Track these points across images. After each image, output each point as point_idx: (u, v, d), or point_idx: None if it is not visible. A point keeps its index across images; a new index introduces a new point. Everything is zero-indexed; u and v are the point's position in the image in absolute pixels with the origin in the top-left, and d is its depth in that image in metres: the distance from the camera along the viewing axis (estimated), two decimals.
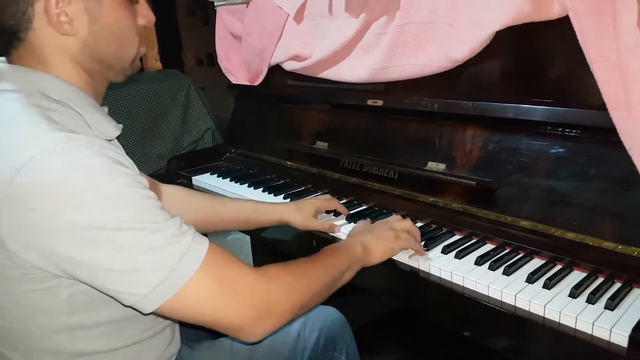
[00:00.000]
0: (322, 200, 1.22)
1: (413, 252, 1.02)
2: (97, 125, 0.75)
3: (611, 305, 0.81)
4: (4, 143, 0.65)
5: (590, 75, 0.87)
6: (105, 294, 0.68)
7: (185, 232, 0.70)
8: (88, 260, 0.64)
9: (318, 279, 0.84)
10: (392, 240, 0.99)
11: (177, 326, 0.91)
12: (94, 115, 0.76)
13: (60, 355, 0.72)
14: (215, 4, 1.79)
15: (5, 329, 0.72)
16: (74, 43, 0.75)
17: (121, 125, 0.83)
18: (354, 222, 1.19)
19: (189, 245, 0.68)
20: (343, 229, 1.17)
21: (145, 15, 0.84)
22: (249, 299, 0.72)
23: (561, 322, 0.81)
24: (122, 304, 0.69)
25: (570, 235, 0.97)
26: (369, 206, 1.29)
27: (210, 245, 0.71)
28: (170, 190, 1.17)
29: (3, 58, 0.77)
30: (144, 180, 0.70)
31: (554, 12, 0.93)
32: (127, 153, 0.76)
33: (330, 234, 1.17)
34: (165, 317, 0.83)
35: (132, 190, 0.66)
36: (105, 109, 0.83)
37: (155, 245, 0.66)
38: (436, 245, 1.06)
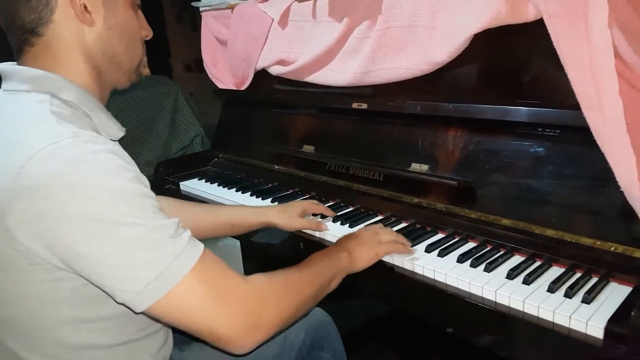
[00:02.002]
0: (308, 203, 1.25)
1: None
2: (103, 126, 0.78)
3: (588, 299, 0.83)
4: (14, 138, 0.67)
5: (564, 75, 0.89)
6: (101, 289, 0.69)
7: (182, 234, 0.71)
8: (88, 253, 0.65)
9: (306, 288, 0.85)
10: (376, 245, 1.01)
11: (170, 330, 0.92)
12: (101, 116, 0.79)
13: (63, 347, 0.73)
14: (201, 9, 1.81)
15: (12, 318, 0.72)
16: (90, 36, 0.78)
17: (124, 128, 0.86)
18: (341, 223, 1.21)
19: (184, 247, 0.69)
20: (329, 228, 1.19)
21: (146, 29, 0.89)
22: (239, 309, 0.72)
23: (540, 316, 0.84)
24: (115, 300, 0.69)
25: (549, 232, 1.00)
26: (355, 208, 1.31)
27: (205, 250, 0.72)
28: (160, 202, 1.18)
29: (13, 63, 0.79)
30: (145, 180, 0.72)
31: (529, 15, 0.95)
32: None
33: (317, 232, 1.19)
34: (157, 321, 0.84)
35: (135, 188, 0.68)
36: (110, 113, 0.85)
37: (153, 243, 0.67)
38: (419, 244, 1.08)
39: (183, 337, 1.03)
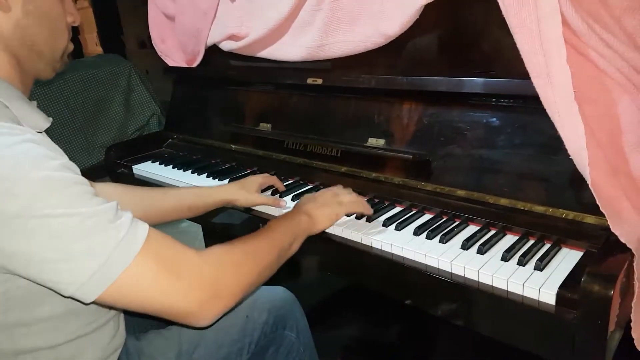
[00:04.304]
0: (262, 177, 1.23)
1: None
2: (25, 117, 0.73)
3: (540, 266, 0.85)
4: None
5: (514, 45, 0.89)
6: (44, 286, 0.66)
7: (122, 216, 0.68)
8: (21, 251, 0.62)
9: (265, 254, 0.84)
10: (335, 206, 1.01)
11: (121, 317, 0.90)
12: (22, 107, 0.74)
13: (1, 355, 0.70)
14: None
15: None
16: (6, 22, 0.73)
17: (51, 118, 0.81)
18: (291, 199, 1.20)
19: (126, 230, 0.66)
20: (289, 205, 1.18)
21: (72, 14, 0.83)
22: (196, 282, 0.71)
23: (494, 285, 0.85)
24: (61, 295, 0.66)
25: (503, 201, 1.01)
26: (315, 185, 1.30)
27: (151, 229, 0.70)
28: (104, 188, 1.14)
29: None
30: (75, 167, 0.68)
31: None
32: (68, 144, 0.74)
33: (276, 210, 1.18)
34: (110, 308, 0.81)
35: (61, 176, 0.64)
36: (34, 103, 0.80)
37: (90, 230, 0.64)
38: (377, 218, 1.08)
39: (138, 324, 1.01)
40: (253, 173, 1.42)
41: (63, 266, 0.63)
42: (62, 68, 0.84)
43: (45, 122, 0.78)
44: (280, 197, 1.24)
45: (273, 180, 1.25)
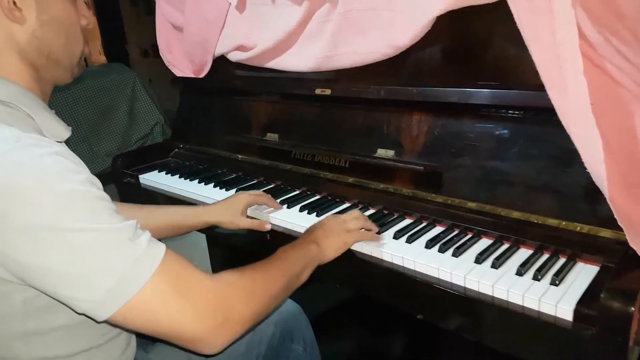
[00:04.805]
0: (251, 195, 1.19)
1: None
2: (47, 126, 0.73)
3: (556, 280, 0.83)
4: None
5: (528, 56, 0.88)
6: (58, 300, 0.65)
7: (141, 235, 0.67)
8: (39, 264, 0.61)
9: (275, 282, 0.82)
10: (344, 234, 0.99)
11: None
12: (44, 116, 0.74)
13: None
14: None
15: None
16: (22, 33, 0.73)
17: (70, 127, 0.80)
18: (308, 212, 1.18)
19: (144, 249, 0.66)
20: (281, 213, 1.17)
21: (86, 16, 0.83)
22: (207, 307, 0.70)
23: (509, 300, 0.84)
24: (74, 311, 0.66)
25: (516, 214, 1.00)
26: (322, 196, 1.28)
27: (167, 250, 0.69)
28: None
29: None
30: (98, 182, 0.68)
31: None
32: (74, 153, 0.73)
33: (283, 223, 1.16)
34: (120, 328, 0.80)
35: (85, 191, 0.64)
36: (53, 111, 0.80)
37: (109, 247, 0.63)
38: (387, 230, 1.06)
39: (146, 339, 1.00)
40: (259, 183, 1.41)
41: (80, 282, 0.62)
42: (79, 72, 0.84)
43: (66, 131, 0.78)
44: (288, 207, 1.22)
45: (264, 200, 1.21)
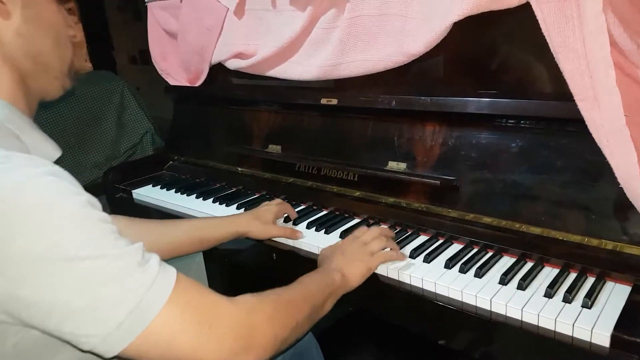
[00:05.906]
0: (277, 205, 1.15)
1: None
2: (35, 145, 0.66)
3: (588, 303, 0.79)
4: None
5: (552, 65, 0.84)
6: (60, 338, 0.58)
7: (150, 259, 0.61)
8: (41, 299, 0.54)
9: (299, 309, 0.76)
10: (367, 259, 0.93)
11: None
12: (33, 135, 0.67)
13: None
14: (146, 0, 1.65)
15: None
16: (6, 30, 0.66)
17: (61, 149, 0.73)
18: (316, 229, 1.12)
19: (155, 274, 0.59)
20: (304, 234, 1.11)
21: (73, 28, 0.76)
22: (229, 332, 0.64)
23: (540, 325, 0.79)
24: (79, 349, 0.58)
25: (536, 230, 0.95)
26: (329, 211, 1.22)
27: (178, 274, 0.63)
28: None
29: None
30: (97, 202, 0.61)
31: (513, 0, 0.89)
32: (59, 163, 0.66)
33: (290, 240, 1.10)
34: None
35: (87, 214, 0.57)
36: (40, 130, 0.72)
37: (119, 274, 0.57)
38: (402, 248, 1.01)
39: None
40: (262, 197, 1.34)
41: (88, 315, 0.55)
42: (70, 86, 0.77)
43: (56, 151, 0.71)
44: (295, 224, 1.17)
45: (287, 208, 1.17)
